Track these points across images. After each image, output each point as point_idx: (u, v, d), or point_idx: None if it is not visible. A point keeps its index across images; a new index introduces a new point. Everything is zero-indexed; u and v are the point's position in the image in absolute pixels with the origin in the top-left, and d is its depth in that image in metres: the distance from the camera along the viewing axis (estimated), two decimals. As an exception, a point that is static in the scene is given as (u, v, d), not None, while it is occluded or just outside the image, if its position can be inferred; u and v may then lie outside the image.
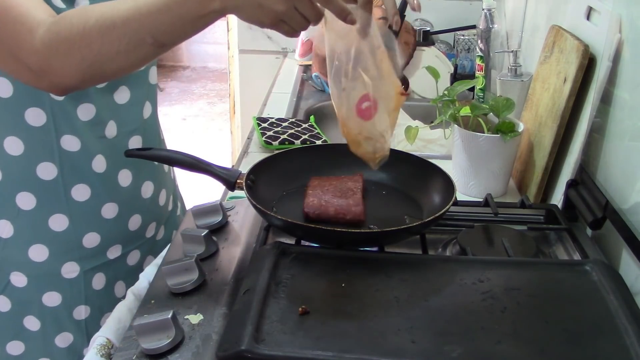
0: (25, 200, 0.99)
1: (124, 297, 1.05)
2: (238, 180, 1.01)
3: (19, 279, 1.02)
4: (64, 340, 1.07)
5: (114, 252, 1.09)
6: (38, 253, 1.02)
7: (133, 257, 1.13)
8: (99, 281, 1.08)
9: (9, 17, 0.83)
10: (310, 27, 0.87)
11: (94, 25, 0.82)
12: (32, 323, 1.05)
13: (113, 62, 0.85)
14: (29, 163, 0.98)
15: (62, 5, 0.92)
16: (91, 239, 1.05)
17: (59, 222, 1.02)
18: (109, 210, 1.06)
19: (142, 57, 0.86)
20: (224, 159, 3.25)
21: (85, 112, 1.00)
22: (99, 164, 1.03)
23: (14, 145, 0.97)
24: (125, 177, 1.08)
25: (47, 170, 0.99)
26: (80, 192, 1.02)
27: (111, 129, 1.04)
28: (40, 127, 0.97)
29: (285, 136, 1.48)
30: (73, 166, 1.01)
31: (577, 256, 0.98)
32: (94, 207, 1.04)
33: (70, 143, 1.00)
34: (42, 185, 0.99)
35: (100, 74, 0.89)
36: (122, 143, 1.06)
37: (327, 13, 0.85)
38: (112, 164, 1.05)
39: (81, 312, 1.07)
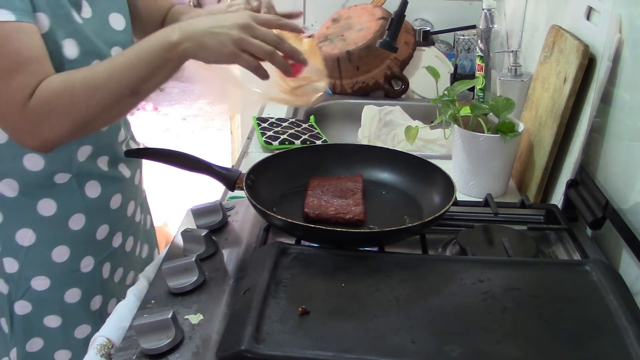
0: (46, 207, 1.04)
1: (123, 281, 1.16)
2: (238, 180, 1.01)
3: (41, 283, 1.06)
4: (82, 331, 1.12)
5: (117, 240, 1.15)
6: (60, 254, 1.06)
7: (129, 244, 1.20)
8: (106, 270, 1.14)
9: (2, 94, 0.87)
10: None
11: (80, 89, 0.89)
12: (52, 321, 1.09)
13: (98, 119, 0.93)
14: (48, 175, 1.03)
15: (79, 20, 0.98)
16: (102, 231, 1.12)
17: (77, 221, 1.07)
18: (116, 202, 1.13)
19: (121, 109, 0.95)
20: (224, 159, 3.25)
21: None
22: (104, 163, 1.10)
23: (33, 162, 1.01)
24: (125, 170, 1.14)
25: (63, 176, 1.05)
26: (93, 189, 1.08)
27: (124, 133, 1.14)
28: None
29: (285, 136, 1.48)
30: (84, 169, 1.07)
31: (577, 256, 0.98)
32: (104, 200, 1.11)
33: (84, 152, 1.06)
34: (60, 189, 1.04)
35: (86, 131, 0.95)
36: (125, 145, 1.15)
37: None
38: (113, 162, 1.12)
39: (97, 302, 1.13)
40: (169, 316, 0.76)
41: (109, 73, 0.90)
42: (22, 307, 1.06)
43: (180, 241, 0.98)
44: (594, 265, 0.85)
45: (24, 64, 0.87)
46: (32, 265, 1.05)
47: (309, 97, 1.08)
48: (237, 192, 1.02)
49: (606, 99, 1.03)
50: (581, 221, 1.05)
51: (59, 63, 0.93)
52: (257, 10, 1.06)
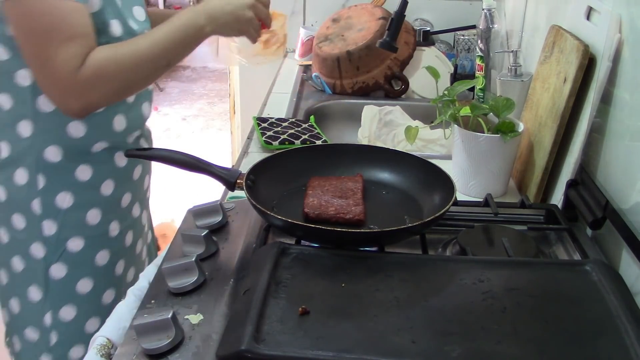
0: (84, 172, 1.13)
1: (140, 253, 1.25)
2: (238, 180, 1.01)
3: (76, 244, 1.14)
4: (108, 296, 1.20)
5: (136, 211, 1.24)
6: (94, 216, 1.15)
7: (145, 216, 1.30)
8: (129, 238, 1.23)
9: (56, 63, 0.97)
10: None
11: (127, 59, 1.03)
12: (85, 285, 1.17)
13: (135, 86, 1.10)
14: (89, 142, 1.12)
15: (120, 5, 1.08)
16: (126, 199, 1.20)
17: (108, 187, 1.16)
18: (137, 173, 1.22)
19: (155, 77, 1.11)
20: (224, 159, 3.25)
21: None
22: (133, 138, 1.19)
23: (76, 129, 1.09)
24: (144, 145, 1.24)
25: (100, 145, 1.13)
26: (121, 159, 1.17)
27: (148, 108, 1.23)
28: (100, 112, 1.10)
29: (285, 136, 1.48)
30: (117, 139, 1.15)
31: (577, 256, 0.98)
32: (129, 170, 1.20)
33: (120, 124, 1.14)
34: (95, 157, 1.13)
35: (125, 95, 1.11)
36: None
37: None
38: (138, 137, 1.21)
39: (120, 267, 1.21)
40: (169, 316, 0.76)
41: (150, 46, 1.05)
42: (57, 270, 1.13)
43: (180, 241, 0.98)
44: (594, 265, 0.85)
45: (79, 36, 0.99)
46: (69, 227, 1.13)
47: (279, 51, 1.39)
48: (237, 192, 1.02)
49: (606, 99, 1.03)
50: (581, 221, 1.05)
51: (106, 39, 1.04)
52: None
